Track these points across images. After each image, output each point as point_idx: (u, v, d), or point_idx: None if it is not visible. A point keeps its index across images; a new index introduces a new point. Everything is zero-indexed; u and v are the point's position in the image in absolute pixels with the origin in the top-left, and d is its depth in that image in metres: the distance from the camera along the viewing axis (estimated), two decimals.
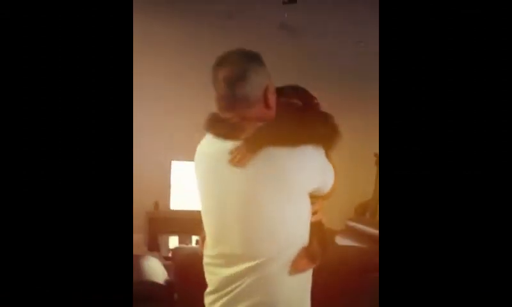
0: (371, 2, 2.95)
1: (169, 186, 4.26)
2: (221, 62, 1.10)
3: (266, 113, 1.11)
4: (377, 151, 5.10)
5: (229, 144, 1.09)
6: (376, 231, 3.28)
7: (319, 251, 1.16)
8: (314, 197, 1.16)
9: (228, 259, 1.14)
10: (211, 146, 1.15)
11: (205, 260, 1.22)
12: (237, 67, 1.08)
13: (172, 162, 4.24)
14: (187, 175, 4.25)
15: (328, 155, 1.18)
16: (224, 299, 1.12)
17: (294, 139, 1.08)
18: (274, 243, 1.09)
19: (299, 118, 1.13)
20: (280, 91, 1.18)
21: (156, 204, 4.31)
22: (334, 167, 1.20)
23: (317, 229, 1.17)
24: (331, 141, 1.17)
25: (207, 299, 1.19)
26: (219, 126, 1.14)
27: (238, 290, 1.10)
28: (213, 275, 1.18)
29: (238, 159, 1.06)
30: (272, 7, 3.10)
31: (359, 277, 2.17)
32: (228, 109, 1.10)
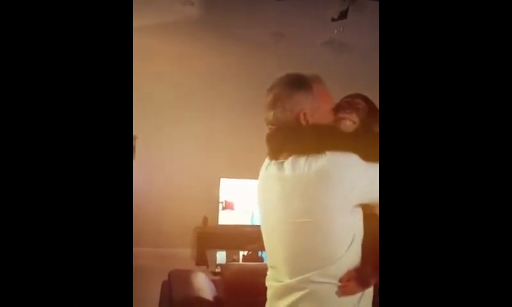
0: None
1: (217, 202, 4.32)
2: (270, 88, 1.20)
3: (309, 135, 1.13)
4: None
5: (275, 166, 1.16)
6: None
7: (371, 274, 1.11)
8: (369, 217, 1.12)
9: (277, 275, 1.18)
10: (266, 168, 1.23)
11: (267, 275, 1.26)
12: (274, 93, 1.17)
13: (221, 179, 4.30)
14: (235, 192, 4.30)
15: None
16: None
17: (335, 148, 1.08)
18: (314, 260, 1.09)
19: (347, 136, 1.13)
20: (339, 106, 1.19)
21: (205, 220, 4.37)
22: None
23: (374, 249, 1.09)
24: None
25: None
26: (268, 146, 1.21)
27: (288, 303, 1.11)
28: (270, 290, 1.22)
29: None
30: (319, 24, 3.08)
31: None
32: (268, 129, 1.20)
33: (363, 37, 3.48)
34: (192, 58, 4.48)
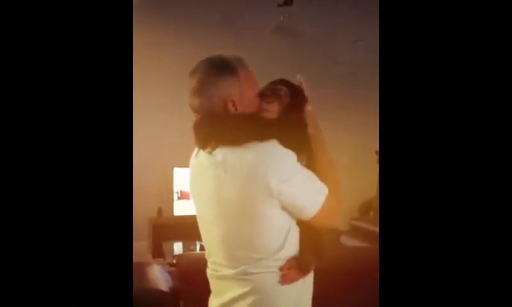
0: (369, 2, 2.95)
1: (172, 192, 4.26)
2: (191, 72, 1.13)
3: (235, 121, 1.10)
4: (378, 149, 5.12)
5: (204, 155, 1.13)
6: None
7: (311, 260, 1.13)
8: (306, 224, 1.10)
9: (218, 268, 1.16)
10: (196, 156, 1.19)
11: (208, 267, 1.23)
12: (197, 79, 1.10)
13: (174, 168, 4.23)
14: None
15: (323, 174, 1.11)
16: (220, 304, 1.14)
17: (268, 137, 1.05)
18: (251, 251, 1.08)
19: (277, 124, 1.10)
20: (262, 93, 1.14)
21: (159, 211, 4.31)
22: (334, 191, 1.11)
23: (311, 237, 1.13)
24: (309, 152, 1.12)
25: (211, 304, 1.21)
26: (195, 135, 1.16)
27: (232, 296, 1.11)
28: (212, 281, 1.20)
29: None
30: (268, 11, 3.08)
31: (366, 278, 2.15)
32: (196, 117, 1.14)
33: (312, 24, 3.54)
34: (137, 47, 4.35)
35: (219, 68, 1.10)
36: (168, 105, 4.41)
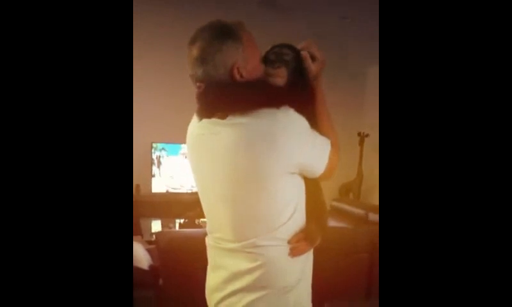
0: None
1: (150, 168, 4.16)
2: (191, 41, 1.07)
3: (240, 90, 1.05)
4: (360, 130, 5.12)
5: (210, 124, 1.08)
6: (361, 211, 3.28)
7: (317, 232, 1.13)
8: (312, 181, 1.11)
9: (223, 242, 1.13)
10: (196, 126, 1.14)
11: (207, 239, 1.21)
12: (199, 47, 1.05)
13: (153, 143, 4.13)
14: (168, 157, 4.16)
15: (323, 131, 1.12)
16: (225, 277, 1.12)
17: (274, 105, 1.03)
18: (262, 223, 1.06)
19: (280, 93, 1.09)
20: (267, 58, 1.13)
21: (137, 188, 4.21)
22: (335, 144, 1.13)
23: (316, 209, 1.13)
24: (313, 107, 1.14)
25: (210, 279, 1.19)
26: (200, 105, 1.10)
27: (238, 269, 1.09)
28: (213, 254, 1.18)
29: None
30: None
31: (346, 258, 2.16)
32: (197, 88, 1.09)
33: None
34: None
35: (222, 34, 1.05)
36: (146, 80, 4.28)
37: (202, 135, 1.10)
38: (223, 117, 1.05)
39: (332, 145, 1.12)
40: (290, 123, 1.02)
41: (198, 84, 1.08)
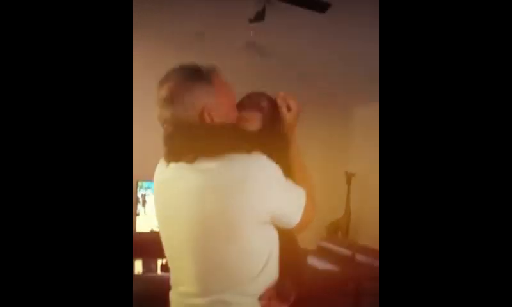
0: (336, 21, 2.95)
1: (135, 207, 4.09)
2: (161, 82, 1.05)
3: (212, 132, 1.02)
4: (348, 169, 5.12)
5: (177, 168, 1.02)
6: (349, 252, 3.22)
7: (292, 288, 1.05)
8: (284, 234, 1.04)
9: (187, 297, 1.04)
10: (162, 170, 1.09)
11: (170, 294, 1.11)
12: (169, 87, 1.02)
13: (138, 182, 4.07)
14: (152, 196, 4.09)
15: (296, 177, 1.08)
16: None
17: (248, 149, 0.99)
18: (230, 276, 0.98)
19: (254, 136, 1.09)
20: (241, 104, 1.14)
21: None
22: (310, 196, 1.08)
23: (291, 263, 1.06)
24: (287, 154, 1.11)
25: None
26: (167, 148, 1.06)
27: None
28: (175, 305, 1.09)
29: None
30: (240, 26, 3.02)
31: (334, 302, 2.09)
32: (164, 130, 1.05)
33: (282, 40, 3.51)
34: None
35: (194, 76, 1.03)
36: (135, 118, 4.26)
37: (168, 180, 1.05)
38: (191, 161, 0.99)
39: (307, 196, 1.06)
40: (261, 168, 0.97)
41: (165, 126, 1.04)
